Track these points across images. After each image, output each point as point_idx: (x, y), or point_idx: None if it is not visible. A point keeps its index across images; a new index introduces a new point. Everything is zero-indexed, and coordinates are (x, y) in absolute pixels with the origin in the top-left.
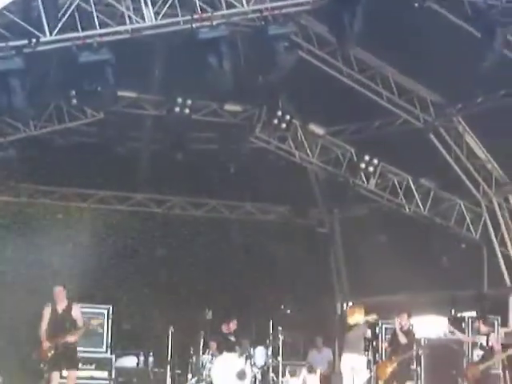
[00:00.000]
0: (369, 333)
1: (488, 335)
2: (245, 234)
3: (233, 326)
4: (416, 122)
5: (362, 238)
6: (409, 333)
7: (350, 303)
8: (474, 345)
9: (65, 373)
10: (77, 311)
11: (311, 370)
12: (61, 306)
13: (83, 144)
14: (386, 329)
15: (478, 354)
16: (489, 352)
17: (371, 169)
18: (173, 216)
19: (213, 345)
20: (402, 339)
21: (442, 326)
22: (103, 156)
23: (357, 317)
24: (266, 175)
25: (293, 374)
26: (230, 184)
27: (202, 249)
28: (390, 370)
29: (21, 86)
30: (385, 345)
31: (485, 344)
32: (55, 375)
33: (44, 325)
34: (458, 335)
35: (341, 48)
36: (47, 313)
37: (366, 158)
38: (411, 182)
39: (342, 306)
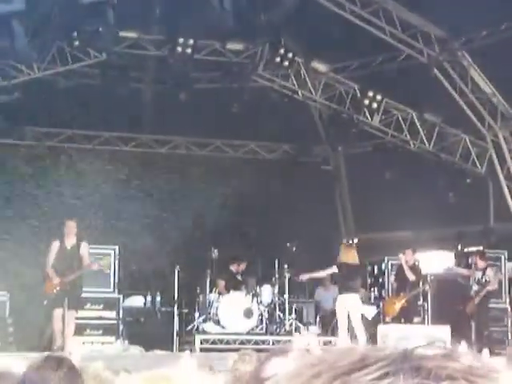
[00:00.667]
0: (375, 269)
1: (485, 269)
2: (249, 172)
3: (242, 267)
4: (420, 56)
5: (367, 175)
6: (415, 268)
7: (356, 240)
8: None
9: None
10: (85, 249)
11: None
12: (69, 242)
13: (87, 85)
14: (392, 265)
15: (475, 288)
16: (485, 286)
17: (375, 105)
18: (177, 156)
19: (220, 283)
20: (410, 275)
21: (449, 262)
22: (107, 97)
23: (349, 255)
24: (270, 114)
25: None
26: (233, 123)
27: (206, 188)
28: (398, 306)
29: (23, 29)
30: (391, 279)
31: (482, 278)
32: (57, 312)
33: (51, 259)
34: (458, 270)
35: None
36: (55, 248)
37: (370, 94)
38: (415, 118)
39: (348, 241)
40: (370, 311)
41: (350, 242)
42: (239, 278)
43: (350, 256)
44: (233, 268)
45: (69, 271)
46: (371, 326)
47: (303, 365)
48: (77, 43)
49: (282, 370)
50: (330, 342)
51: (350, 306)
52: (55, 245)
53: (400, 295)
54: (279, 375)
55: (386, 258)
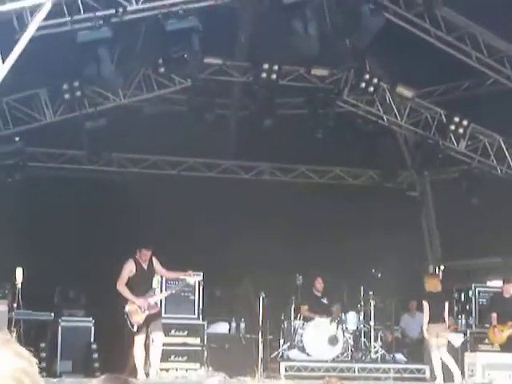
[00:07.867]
0: (462, 296)
1: None
2: (334, 198)
3: (319, 285)
4: (507, 81)
5: (454, 201)
6: None
7: (442, 267)
8: None
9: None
10: (157, 263)
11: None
12: (145, 264)
13: (172, 111)
14: (479, 292)
15: None
16: None
17: (461, 130)
18: (261, 182)
19: (303, 307)
20: None
21: None
22: (192, 123)
23: (434, 284)
24: (355, 139)
25: None
26: (318, 149)
27: (291, 214)
28: (506, 334)
29: (109, 56)
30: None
31: None
32: (140, 339)
33: (125, 279)
34: None
35: (428, 9)
36: (131, 266)
37: (456, 119)
38: (502, 143)
39: (434, 270)
40: (457, 339)
41: (434, 271)
42: (324, 301)
43: (432, 284)
44: (314, 290)
45: (151, 292)
46: (457, 353)
47: None
48: (162, 70)
49: None
50: (419, 370)
51: (440, 336)
52: (131, 264)
53: (508, 323)
54: None
55: (473, 285)
